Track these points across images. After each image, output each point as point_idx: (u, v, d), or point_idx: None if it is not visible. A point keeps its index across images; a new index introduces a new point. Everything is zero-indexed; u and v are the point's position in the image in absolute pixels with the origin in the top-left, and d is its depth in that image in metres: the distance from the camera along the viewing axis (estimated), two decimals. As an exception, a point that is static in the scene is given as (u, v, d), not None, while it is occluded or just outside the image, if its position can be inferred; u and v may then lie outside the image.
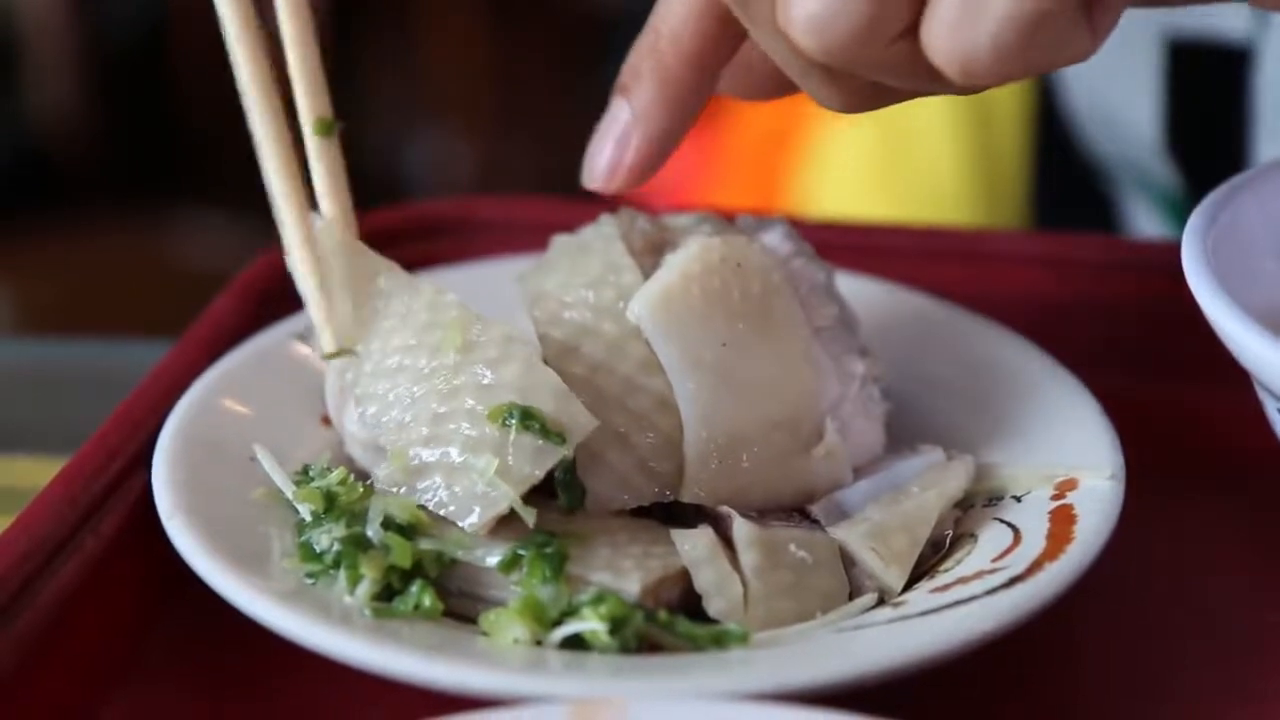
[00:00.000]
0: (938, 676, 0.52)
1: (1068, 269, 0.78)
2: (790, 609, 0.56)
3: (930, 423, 0.66)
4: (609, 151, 0.62)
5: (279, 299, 0.74)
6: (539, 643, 0.54)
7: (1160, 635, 0.60)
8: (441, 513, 0.56)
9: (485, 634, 0.55)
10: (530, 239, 0.70)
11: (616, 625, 0.53)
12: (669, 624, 0.54)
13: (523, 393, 0.57)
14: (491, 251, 0.76)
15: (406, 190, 2.30)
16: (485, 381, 0.57)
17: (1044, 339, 0.68)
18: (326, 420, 0.65)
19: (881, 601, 0.58)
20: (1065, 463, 0.61)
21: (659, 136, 0.62)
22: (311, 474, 0.60)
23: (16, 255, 2.30)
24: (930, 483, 0.61)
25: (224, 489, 0.60)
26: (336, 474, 0.59)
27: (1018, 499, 0.60)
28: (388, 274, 0.61)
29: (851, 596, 0.58)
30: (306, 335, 0.67)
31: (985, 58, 0.52)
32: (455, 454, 0.57)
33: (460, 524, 0.56)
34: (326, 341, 0.62)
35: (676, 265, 0.61)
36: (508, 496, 0.55)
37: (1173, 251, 0.61)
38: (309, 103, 0.61)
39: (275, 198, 0.62)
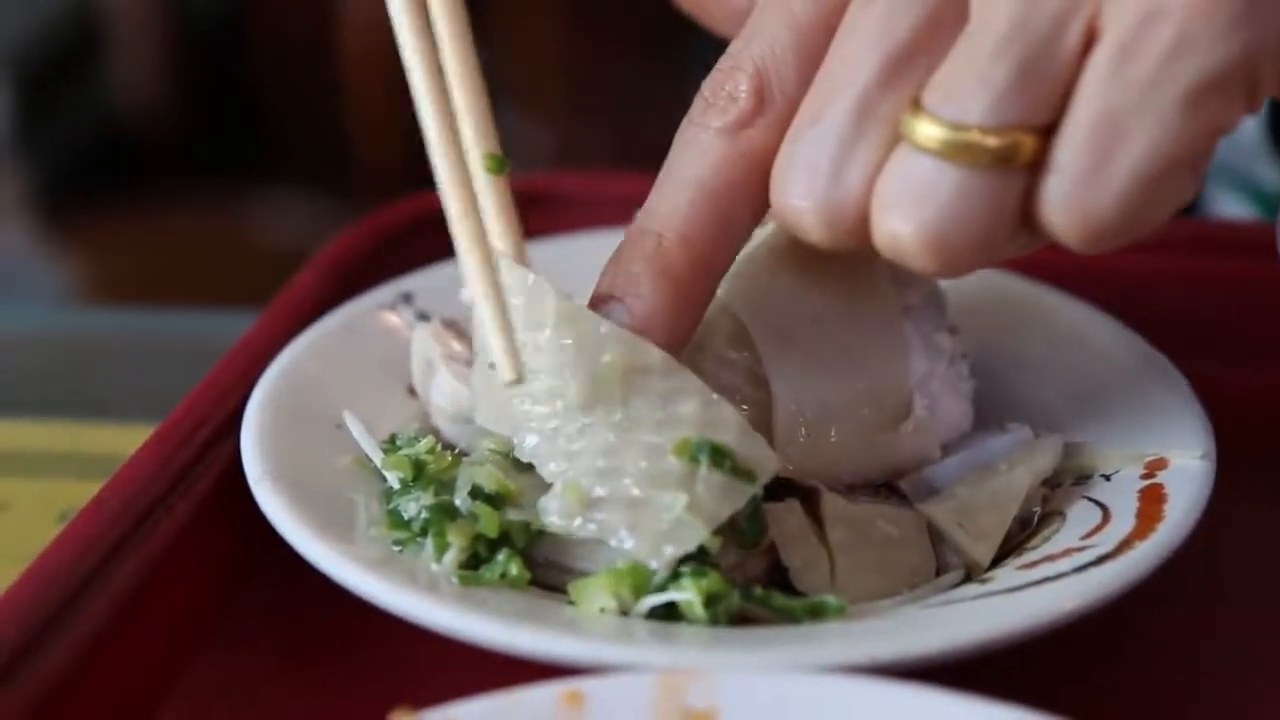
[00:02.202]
0: (1024, 654, 0.52)
1: (1158, 249, 0.77)
2: (877, 584, 0.56)
3: (1018, 401, 0.65)
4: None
5: (361, 273, 0.74)
6: (626, 613, 0.54)
7: (1246, 618, 0.60)
8: (625, 547, 0.54)
9: (572, 603, 0.55)
10: (614, 214, 0.70)
11: (712, 600, 0.53)
12: (765, 599, 0.54)
13: (704, 428, 0.55)
14: (577, 226, 0.76)
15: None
16: (660, 416, 0.55)
17: (1133, 319, 0.68)
18: (412, 391, 0.65)
19: (968, 578, 0.57)
20: (1155, 442, 0.60)
21: (667, 345, 0.56)
22: (399, 443, 0.60)
23: (100, 232, 2.32)
24: (1018, 460, 0.61)
25: (311, 456, 0.60)
26: (425, 442, 0.59)
27: (1106, 478, 0.60)
28: (509, 267, 0.58)
29: (939, 573, 0.58)
30: (394, 305, 0.67)
31: (1112, 221, 0.50)
32: (635, 489, 0.54)
33: (649, 563, 0.54)
34: (507, 370, 0.56)
35: (765, 240, 0.60)
36: (699, 535, 0.54)
37: (1266, 234, 0.60)
38: (480, 141, 0.58)
39: (457, 234, 0.57)
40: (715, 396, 0.55)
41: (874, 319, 0.60)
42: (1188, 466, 0.58)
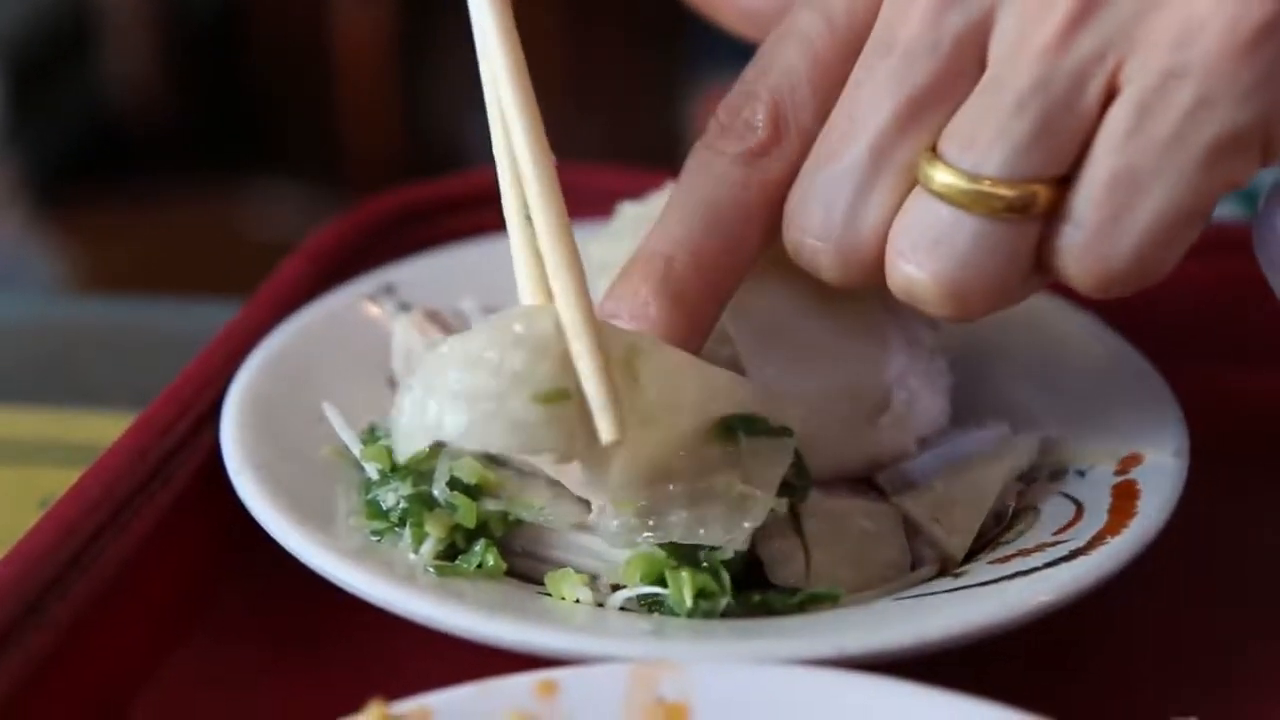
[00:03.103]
0: (996, 648, 0.52)
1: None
2: (852, 577, 0.56)
3: (995, 397, 0.66)
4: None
5: (347, 262, 0.74)
6: (601, 604, 0.54)
7: (1221, 613, 0.60)
8: (704, 541, 0.54)
9: (548, 593, 0.55)
10: (597, 207, 0.70)
11: (701, 595, 0.53)
12: (762, 603, 0.54)
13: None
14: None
15: (470, 163, 2.31)
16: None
17: (1110, 317, 0.68)
18: (393, 382, 0.66)
19: (943, 572, 0.58)
20: (1129, 438, 0.61)
21: None
22: (379, 433, 0.60)
23: (91, 221, 2.33)
24: (994, 456, 0.61)
25: (292, 446, 0.60)
26: (403, 433, 0.59)
27: (1081, 473, 0.60)
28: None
29: (913, 567, 0.58)
30: (376, 296, 0.67)
31: (1126, 271, 0.51)
32: (683, 484, 0.54)
33: (725, 546, 0.54)
34: (608, 425, 0.52)
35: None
36: (766, 502, 0.54)
37: (1244, 233, 0.60)
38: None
39: (558, 290, 0.54)
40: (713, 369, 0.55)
41: (853, 314, 0.61)
42: (1161, 463, 0.59)
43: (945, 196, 0.51)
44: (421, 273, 0.71)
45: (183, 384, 0.63)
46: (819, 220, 0.54)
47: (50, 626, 0.53)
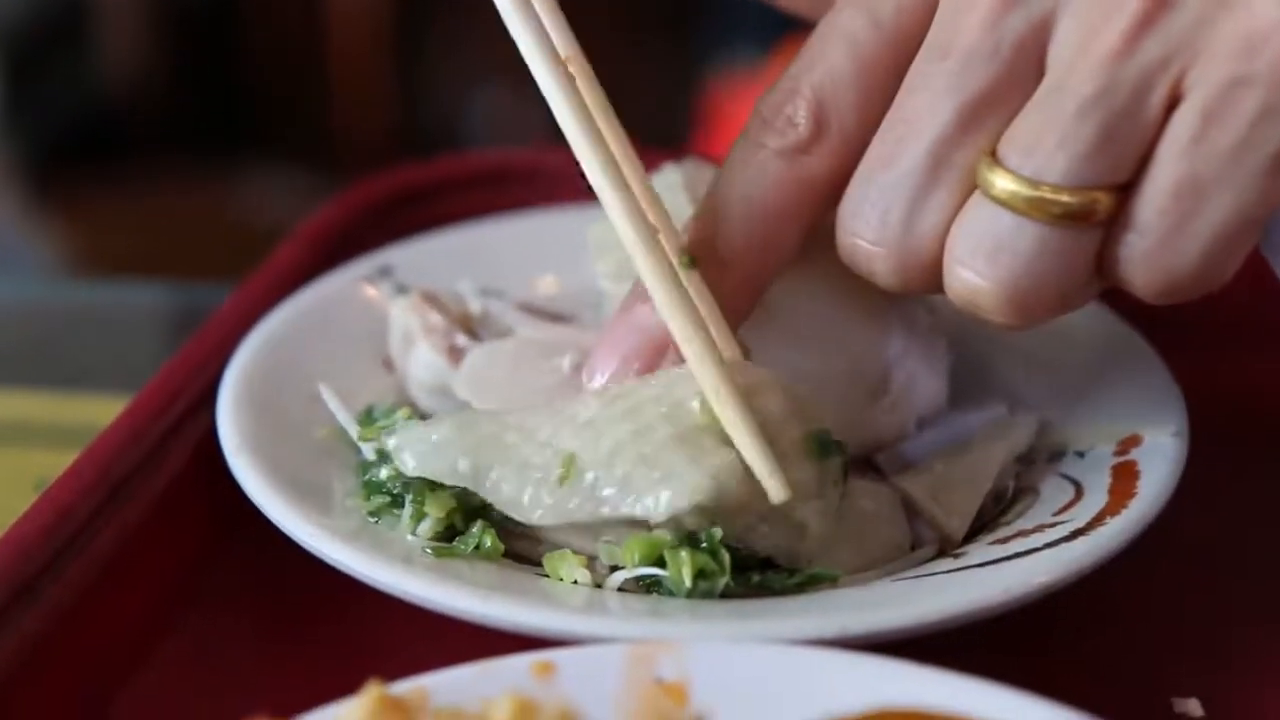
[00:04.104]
0: (996, 628, 0.52)
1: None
2: (852, 557, 0.56)
3: (994, 378, 0.66)
4: (642, 357, 0.56)
5: (344, 245, 0.74)
6: (599, 585, 0.54)
7: (1220, 594, 0.60)
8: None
9: (546, 575, 0.55)
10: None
11: (700, 575, 0.53)
12: (761, 583, 0.54)
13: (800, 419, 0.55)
14: (557, 201, 0.77)
15: (465, 144, 2.31)
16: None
17: (1108, 298, 0.68)
18: (389, 364, 0.66)
19: (942, 552, 0.58)
20: (1129, 419, 0.61)
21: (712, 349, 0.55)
22: (375, 415, 0.60)
23: (86, 206, 2.32)
24: (993, 436, 0.61)
25: (288, 428, 0.60)
26: (400, 414, 0.59)
27: (1080, 454, 0.60)
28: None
29: (913, 547, 0.58)
30: (373, 278, 0.67)
31: (1190, 278, 0.51)
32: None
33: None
34: (778, 488, 0.52)
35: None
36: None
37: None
38: (672, 240, 0.56)
39: (690, 354, 0.54)
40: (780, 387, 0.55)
41: (853, 294, 0.61)
42: (1161, 444, 0.59)
43: (1006, 203, 0.51)
44: (418, 254, 0.71)
45: (178, 366, 0.63)
46: (875, 225, 0.54)
47: (46, 608, 0.53)
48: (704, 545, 0.53)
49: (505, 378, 0.61)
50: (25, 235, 2.22)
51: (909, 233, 0.53)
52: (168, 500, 0.59)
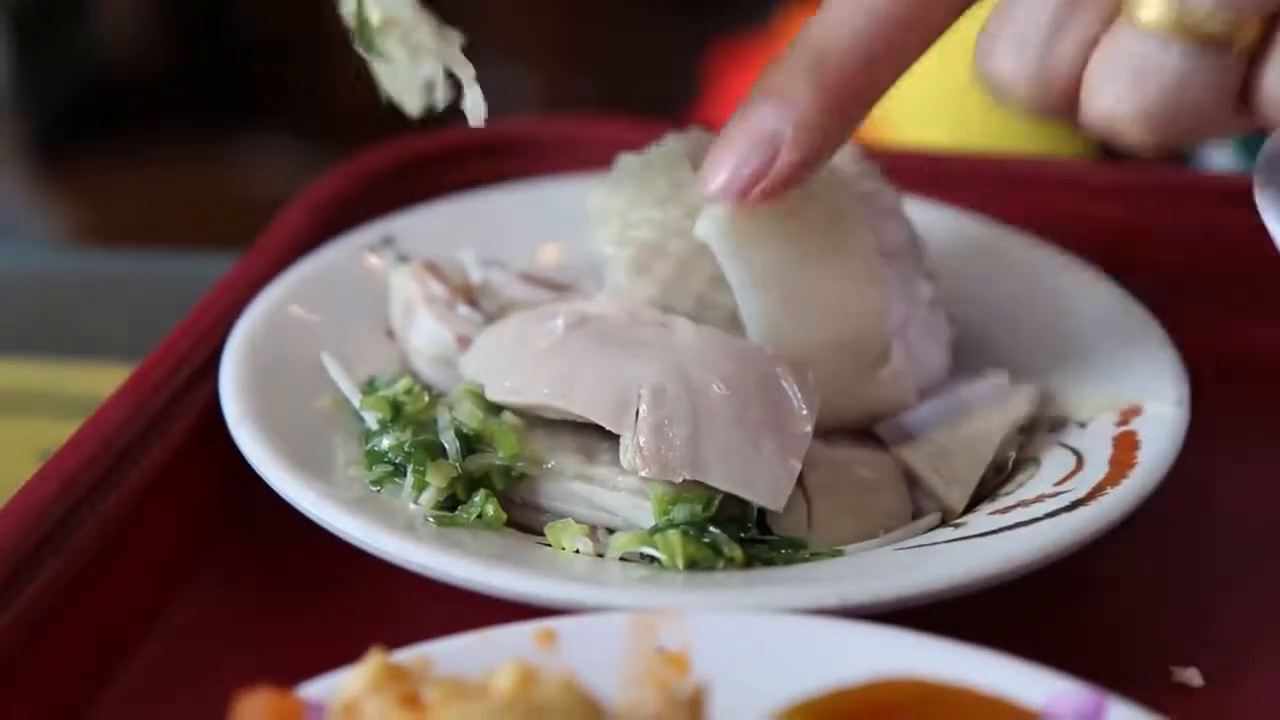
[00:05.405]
0: (997, 598, 0.52)
1: (1136, 198, 0.77)
2: (853, 528, 0.56)
3: (996, 349, 0.66)
4: (751, 161, 0.56)
5: (346, 214, 0.74)
6: (601, 554, 0.54)
7: (1220, 564, 0.60)
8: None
9: (548, 544, 0.55)
10: (597, 158, 0.70)
11: (691, 565, 0.54)
12: (770, 559, 0.55)
13: None
14: (559, 170, 0.76)
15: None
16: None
17: (1110, 268, 0.68)
18: (392, 333, 0.66)
19: (943, 522, 0.58)
20: (1130, 390, 0.61)
21: (816, 154, 0.56)
22: (377, 385, 0.60)
23: (90, 176, 2.32)
24: (994, 406, 0.61)
25: (290, 397, 0.60)
26: (402, 383, 0.59)
27: (1081, 425, 0.60)
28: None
29: (914, 517, 0.58)
30: (375, 247, 0.67)
31: None
32: None
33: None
34: None
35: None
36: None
37: (1243, 182, 0.60)
38: None
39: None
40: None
41: (852, 263, 0.60)
42: (1162, 414, 0.59)
43: (1151, 27, 0.50)
44: (420, 224, 0.71)
45: (181, 336, 0.63)
46: (1014, 51, 0.52)
47: (50, 577, 0.53)
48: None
49: (506, 350, 0.60)
50: (29, 206, 2.22)
51: (1048, 58, 0.52)
52: (171, 469, 0.59)
